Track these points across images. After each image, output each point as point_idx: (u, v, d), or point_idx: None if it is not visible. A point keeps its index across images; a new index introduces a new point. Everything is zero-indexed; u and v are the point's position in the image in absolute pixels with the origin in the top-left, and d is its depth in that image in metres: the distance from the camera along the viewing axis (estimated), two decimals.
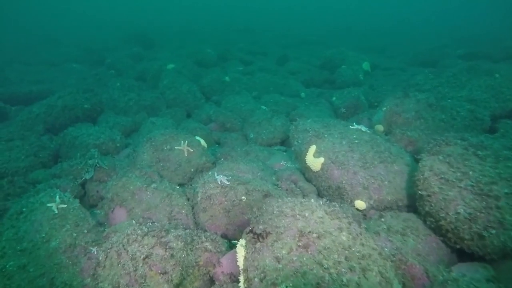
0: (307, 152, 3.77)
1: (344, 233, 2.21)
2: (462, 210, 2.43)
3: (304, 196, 3.66)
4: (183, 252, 2.50)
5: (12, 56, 13.18)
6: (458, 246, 2.52)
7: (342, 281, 1.86)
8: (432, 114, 4.50)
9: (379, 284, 1.90)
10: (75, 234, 2.81)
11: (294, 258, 2.05)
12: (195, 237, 2.68)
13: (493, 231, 2.26)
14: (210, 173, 3.73)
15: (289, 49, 15.69)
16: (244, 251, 2.34)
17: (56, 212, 2.89)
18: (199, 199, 3.35)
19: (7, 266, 2.42)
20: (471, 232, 2.36)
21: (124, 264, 2.35)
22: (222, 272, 2.55)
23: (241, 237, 2.50)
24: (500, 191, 2.37)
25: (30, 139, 4.91)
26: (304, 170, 3.95)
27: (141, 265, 2.33)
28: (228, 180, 3.38)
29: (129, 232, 2.56)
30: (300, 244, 2.13)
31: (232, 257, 2.54)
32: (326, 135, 3.79)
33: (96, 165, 4.06)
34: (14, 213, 2.82)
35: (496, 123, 4.57)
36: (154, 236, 2.54)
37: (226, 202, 3.21)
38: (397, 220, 2.93)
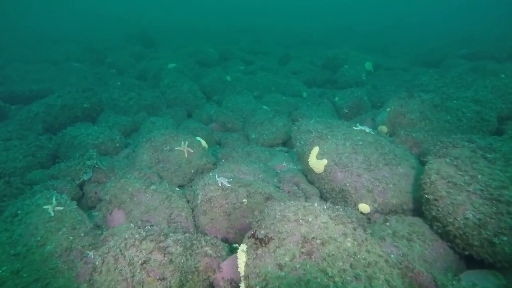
0: (309, 153, 3.68)
1: (349, 239, 2.13)
2: (471, 215, 2.35)
3: (306, 198, 3.58)
4: (182, 257, 2.42)
5: (13, 54, 13.13)
6: (466, 253, 2.43)
7: None
8: (437, 115, 4.41)
9: None
10: (71, 238, 2.73)
11: (297, 266, 1.97)
12: (194, 242, 2.60)
13: (505, 238, 2.17)
14: (210, 174, 3.65)
15: (291, 48, 15.61)
16: (245, 257, 2.26)
17: (52, 214, 2.81)
18: (199, 201, 3.28)
19: (0, 271, 2.35)
20: (481, 238, 2.27)
21: (121, 270, 2.28)
22: (223, 278, 2.48)
23: (242, 242, 2.42)
24: (511, 196, 2.28)
25: (28, 139, 4.84)
26: (307, 172, 3.87)
27: (138, 270, 2.25)
28: (229, 182, 3.30)
29: (126, 236, 2.48)
30: (304, 250, 2.05)
31: (233, 263, 2.46)
32: (329, 136, 3.71)
33: (94, 166, 3.99)
34: (9, 215, 2.74)
35: (503, 125, 4.48)
36: (152, 240, 2.46)
37: (227, 205, 3.14)
38: (403, 224, 2.85)
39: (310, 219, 2.25)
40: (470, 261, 2.53)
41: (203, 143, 4.50)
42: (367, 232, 2.34)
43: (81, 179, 3.92)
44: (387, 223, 2.89)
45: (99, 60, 12.51)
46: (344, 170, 3.33)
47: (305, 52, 14.07)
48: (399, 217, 2.97)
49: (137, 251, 2.36)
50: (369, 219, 3.16)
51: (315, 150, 3.64)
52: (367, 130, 3.85)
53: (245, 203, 3.13)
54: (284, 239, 2.15)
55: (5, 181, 3.74)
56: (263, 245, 2.20)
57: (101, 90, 7.49)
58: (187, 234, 2.69)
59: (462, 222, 2.38)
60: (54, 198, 2.94)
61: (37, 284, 2.35)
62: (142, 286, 2.19)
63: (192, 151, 4.20)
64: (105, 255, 2.38)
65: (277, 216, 2.34)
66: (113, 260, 2.34)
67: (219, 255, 2.60)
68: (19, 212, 2.78)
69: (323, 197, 3.66)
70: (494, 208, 2.28)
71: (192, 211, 3.39)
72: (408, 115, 4.47)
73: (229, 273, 2.49)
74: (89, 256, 2.67)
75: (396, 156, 3.40)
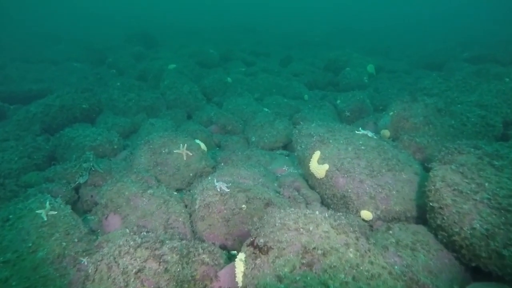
0: (311, 158, 3.60)
1: (351, 249, 2.05)
2: (478, 225, 2.26)
3: (307, 204, 3.49)
4: (178, 265, 2.34)
5: (13, 54, 13.06)
6: (473, 264, 2.34)
7: None
8: (441, 119, 4.32)
9: None
10: (64, 244, 2.65)
11: (297, 278, 1.89)
12: (191, 249, 2.52)
13: None
14: (209, 178, 3.57)
15: (293, 50, 15.52)
16: (244, 266, 2.18)
17: (45, 219, 2.73)
18: (197, 206, 3.20)
19: None
20: (489, 249, 2.18)
21: (114, 279, 2.19)
22: (220, 287, 2.39)
23: (240, 250, 2.34)
24: None
25: (25, 140, 4.76)
26: (308, 177, 3.79)
27: (132, 280, 2.17)
28: (228, 187, 3.22)
29: (121, 243, 2.40)
30: (304, 261, 1.97)
31: (231, 271, 2.38)
32: (331, 141, 3.62)
33: (91, 168, 3.91)
34: (0, 220, 2.66)
35: (509, 130, 4.39)
36: (147, 248, 2.38)
37: (225, 211, 3.05)
38: (406, 233, 2.76)
39: (311, 228, 2.16)
40: (476, 272, 2.44)
41: (202, 146, 4.43)
42: (370, 241, 2.25)
43: (77, 182, 3.84)
44: (390, 231, 2.80)
45: (100, 60, 12.44)
46: (346, 175, 3.25)
47: (307, 54, 13.99)
48: (403, 225, 2.88)
49: (131, 259, 2.28)
50: (371, 226, 3.07)
51: (317, 154, 3.56)
52: (370, 134, 3.77)
53: (244, 209, 3.05)
54: (284, 248, 2.07)
55: None
56: (262, 254, 2.12)
57: (101, 90, 7.42)
58: (183, 241, 2.61)
59: (468, 232, 2.29)
60: (47, 202, 2.86)
61: None
62: None
63: (191, 154, 4.13)
64: (98, 263, 2.30)
65: (277, 224, 2.26)
66: (106, 268, 2.25)
67: (216, 263, 2.51)
68: (10, 216, 2.69)
69: (324, 203, 3.57)
70: (503, 218, 2.19)
71: (190, 216, 3.31)
72: (411, 119, 4.38)
73: (227, 282, 2.40)
74: (82, 262, 2.59)
75: (399, 161, 3.32)
